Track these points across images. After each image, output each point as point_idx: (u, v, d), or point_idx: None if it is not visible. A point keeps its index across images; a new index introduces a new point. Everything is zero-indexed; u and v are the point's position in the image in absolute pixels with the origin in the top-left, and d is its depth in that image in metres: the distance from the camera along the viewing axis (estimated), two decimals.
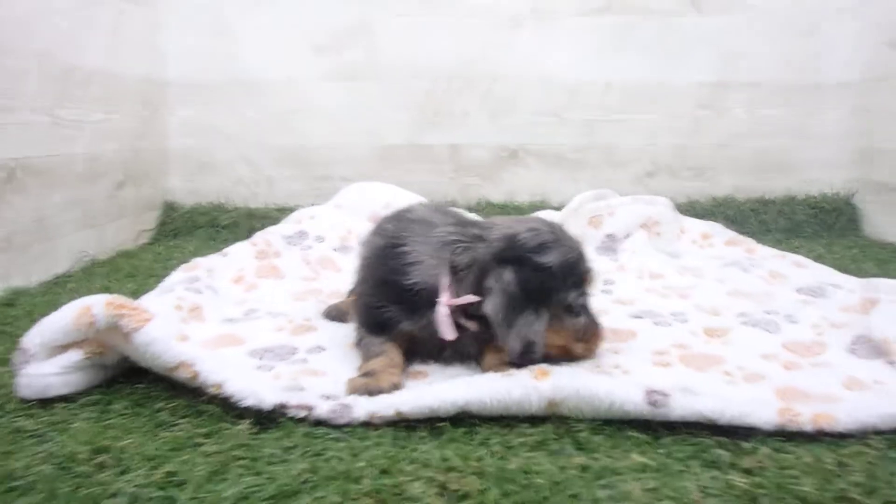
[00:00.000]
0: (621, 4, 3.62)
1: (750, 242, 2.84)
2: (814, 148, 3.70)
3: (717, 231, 2.96)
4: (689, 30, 3.63)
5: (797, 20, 3.60)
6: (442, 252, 1.62)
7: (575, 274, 1.58)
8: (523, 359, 1.49)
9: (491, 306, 1.53)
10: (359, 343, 1.67)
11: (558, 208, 3.33)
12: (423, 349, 1.66)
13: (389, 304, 1.64)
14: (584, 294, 1.61)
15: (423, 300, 1.59)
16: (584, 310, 1.61)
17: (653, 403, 1.25)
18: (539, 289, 1.53)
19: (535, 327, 1.51)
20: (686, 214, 3.22)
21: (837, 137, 3.67)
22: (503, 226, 1.64)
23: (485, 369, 1.58)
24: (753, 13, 3.60)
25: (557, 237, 1.60)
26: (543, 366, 1.38)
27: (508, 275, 1.53)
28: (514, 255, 1.55)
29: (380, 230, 1.81)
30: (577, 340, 1.61)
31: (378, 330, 1.64)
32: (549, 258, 1.54)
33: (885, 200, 3.38)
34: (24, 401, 1.41)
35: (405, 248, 1.65)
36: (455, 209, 1.87)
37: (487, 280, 1.55)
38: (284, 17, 3.65)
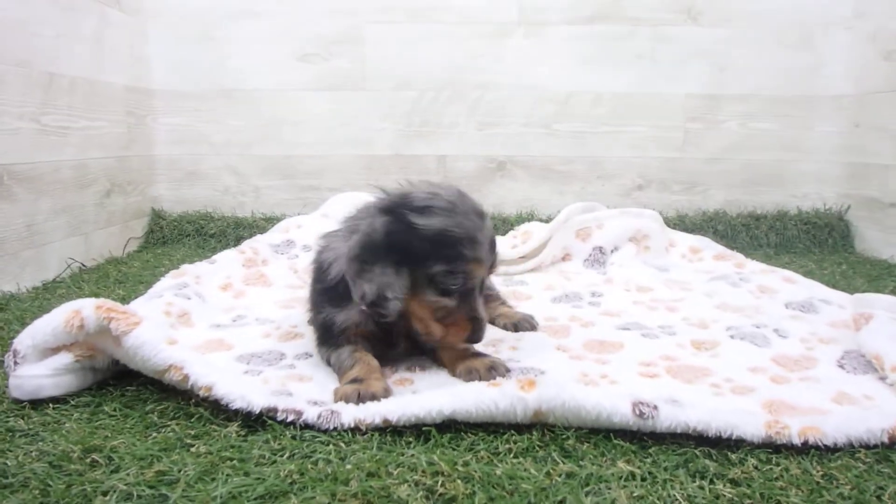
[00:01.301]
0: (613, 13, 3.63)
1: (739, 257, 2.85)
2: (806, 162, 3.72)
3: (707, 245, 2.98)
4: (682, 40, 3.64)
5: (791, 33, 3.62)
6: (348, 239, 1.63)
7: (450, 248, 1.52)
8: (373, 310, 1.52)
9: (348, 245, 1.56)
10: (328, 362, 1.67)
11: (546, 221, 3.34)
12: (380, 348, 1.66)
13: (326, 307, 1.67)
14: (455, 274, 1.53)
15: (347, 291, 1.59)
16: (458, 293, 1.55)
17: (640, 415, 1.26)
18: (404, 247, 1.51)
19: (389, 280, 1.50)
20: (676, 228, 3.24)
21: (830, 152, 3.69)
22: (420, 183, 1.65)
23: (451, 368, 1.61)
24: (747, 25, 3.61)
25: (454, 209, 1.55)
26: (530, 376, 1.38)
27: (377, 221, 1.54)
28: (394, 207, 1.55)
29: (315, 251, 1.83)
30: (438, 321, 1.58)
31: (330, 337, 1.66)
32: (426, 221, 1.51)
33: (878, 217, 3.38)
34: (16, 401, 1.43)
35: (327, 254, 1.70)
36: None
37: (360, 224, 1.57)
38: (271, 26, 3.65)
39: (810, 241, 3.55)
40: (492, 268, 1.65)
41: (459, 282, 1.54)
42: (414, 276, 1.53)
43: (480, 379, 1.51)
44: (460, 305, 1.56)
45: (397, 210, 1.54)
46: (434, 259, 1.51)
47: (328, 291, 1.67)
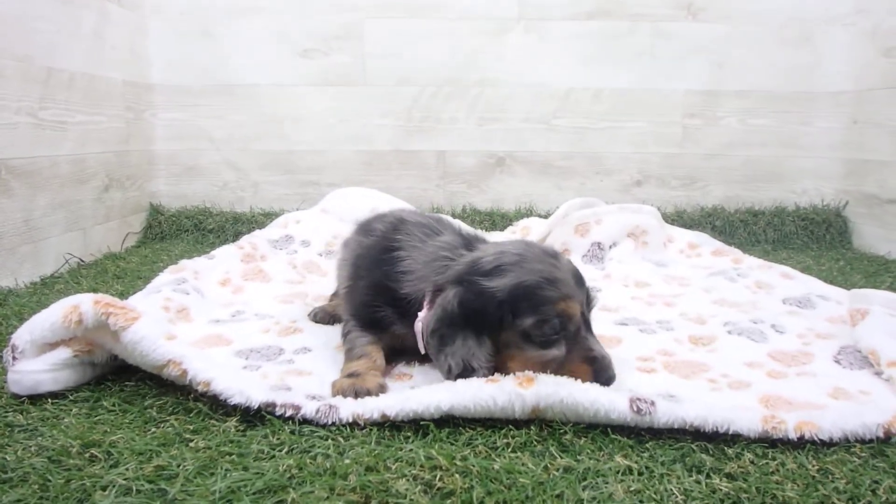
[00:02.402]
0: (613, 9, 3.63)
1: (737, 253, 2.86)
2: (805, 158, 3.73)
3: (704, 241, 2.98)
4: (681, 37, 3.64)
5: (790, 29, 3.62)
6: (431, 265, 1.61)
7: (531, 298, 1.44)
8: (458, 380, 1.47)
9: (423, 322, 1.53)
10: (346, 335, 1.67)
11: (545, 216, 3.34)
12: (409, 350, 1.65)
13: (384, 306, 1.65)
14: (548, 321, 1.43)
15: (414, 308, 1.59)
16: (563, 340, 1.46)
17: (637, 411, 1.26)
18: (480, 312, 1.46)
19: (471, 351, 1.45)
20: (674, 224, 3.25)
21: (829, 148, 3.69)
22: (487, 246, 1.61)
23: None
24: (747, 21, 3.62)
25: (522, 261, 1.49)
26: (528, 373, 1.37)
27: (450, 293, 1.49)
28: (464, 276, 1.51)
29: (366, 231, 1.82)
30: (553, 373, 1.44)
31: (370, 327, 1.65)
32: (497, 282, 1.46)
33: (876, 213, 3.39)
34: (15, 396, 1.43)
35: (400, 254, 1.67)
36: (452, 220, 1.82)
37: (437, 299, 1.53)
38: (271, 22, 3.65)
39: (808, 237, 3.56)
40: (589, 303, 1.54)
41: (556, 327, 1.44)
42: (504, 340, 1.47)
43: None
44: (570, 353, 1.46)
45: (467, 278, 1.50)
46: (520, 316, 1.44)
47: (394, 296, 1.64)
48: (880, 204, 3.34)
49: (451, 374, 1.44)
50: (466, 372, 1.43)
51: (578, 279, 1.52)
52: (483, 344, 1.46)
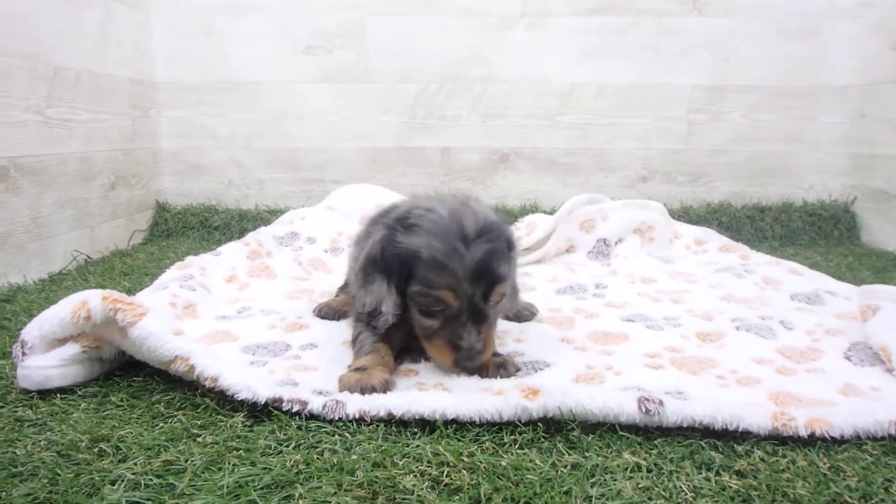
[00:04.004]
0: (616, 4, 3.62)
1: (744, 249, 2.85)
2: (812, 153, 3.72)
3: (711, 237, 2.97)
4: (686, 31, 3.63)
5: (796, 23, 3.60)
6: None
7: (418, 270, 1.48)
8: (369, 319, 1.55)
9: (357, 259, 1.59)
10: (356, 338, 1.67)
11: (550, 212, 3.34)
12: (416, 347, 1.65)
13: None
14: (428, 296, 1.48)
15: None
16: (434, 312, 1.50)
17: (646, 412, 1.26)
18: (389, 261, 1.52)
19: (383, 295, 1.52)
20: (680, 220, 3.24)
21: (836, 143, 3.68)
22: (429, 200, 1.62)
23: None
24: (752, 15, 3.60)
25: (434, 230, 1.49)
26: (534, 385, 1.35)
27: (377, 235, 1.57)
28: (393, 224, 1.56)
29: (372, 225, 1.82)
30: (426, 339, 1.55)
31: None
32: (406, 239, 1.50)
33: (884, 208, 3.37)
34: (24, 392, 1.44)
35: None
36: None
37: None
38: (274, 19, 3.65)
39: (816, 233, 3.55)
40: (486, 296, 1.50)
41: (436, 305, 1.49)
42: (405, 294, 1.53)
43: (487, 376, 1.52)
44: (443, 329, 1.51)
45: (393, 225, 1.55)
46: (412, 278, 1.49)
47: None
48: (889, 199, 3.32)
49: (365, 310, 1.54)
50: (376, 312, 1.53)
51: (478, 272, 1.47)
52: (392, 292, 1.53)
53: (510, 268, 1.60)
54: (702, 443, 1.22)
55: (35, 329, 1.45)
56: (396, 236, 1.51)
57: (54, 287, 2.38)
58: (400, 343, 1.64)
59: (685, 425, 1.25)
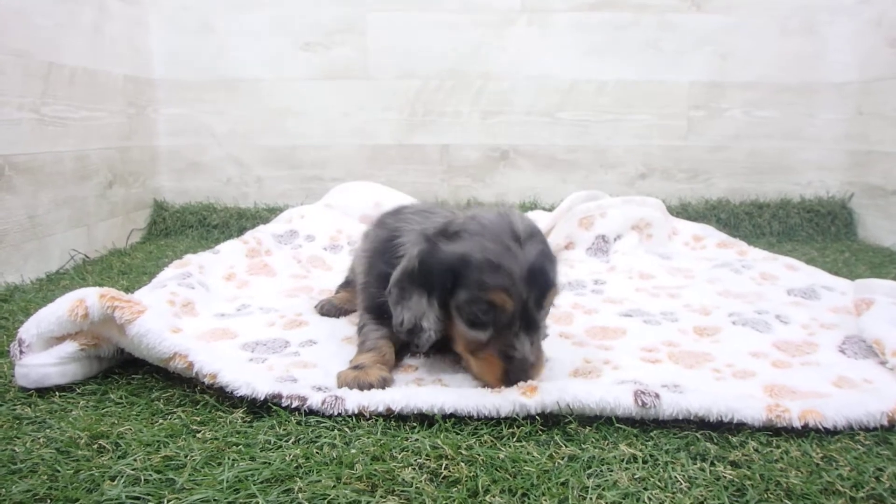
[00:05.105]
0: (617, 1, 3.62)
1: (742, 245, 2.85)
2: (810, 150, 3.72)
3: (709, 233, 2.98)
4: (686, 28, 3.63)
5: (794, 20, 3.61)
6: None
7: (469, 277, 1.40)
8: (410, 338, 1.48)
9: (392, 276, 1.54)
10: (361, 328, 1.68)
11: (549, 209, 3.34)
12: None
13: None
14: (478, 303, 1.40)
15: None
16: (492, 326, 1.41)
17: (642, 405, 1.27)
18: (432, 273, 1.45)
19: (423, 310, 1.46)
20: (679, 217, 3.24)
21: (834, 139, 3.69)
22: (468, 210, 1.59)
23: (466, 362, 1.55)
24: (751, 12, 3.60)
25: (482, 232, 1.43)
26: (532, 382, 1.36)
27: (415, 250, 1.50)
28: (432, 236, 1.49)
29: (381, 223, 1.83)
30: (472, 354, 1.46)
31: (380, 317, 1.64)
32: (451, 247, 1.44)
33: (881, 204, 3.38)
34: (23, 390, 1.44)
35: (400, 241, 1.66)
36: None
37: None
38: (272, 15, 3.64)
39: (813, 229, 3.55)
40: (540, 302, 1.43)
41: (485, 311, 1.40)
42: (451, 306, 1.45)
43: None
44: (493, 341, 1.41)
45: (432, 237, 1.49)
46: (458, 287, 1.42)
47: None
48: (885, 195, 3.33)
49: (403, 328, 1.47)
50: (416, 329, 1.46)
51: (533, 274, 1.40)
52: (433, 306, 1.46)
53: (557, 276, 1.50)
54: (697, 434, 1.23)
55: (33, 327, 1.46)
56: (438, 247, 1.45)
57: (52, 286, 2.38)
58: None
59: (681, 418, 1.27)
